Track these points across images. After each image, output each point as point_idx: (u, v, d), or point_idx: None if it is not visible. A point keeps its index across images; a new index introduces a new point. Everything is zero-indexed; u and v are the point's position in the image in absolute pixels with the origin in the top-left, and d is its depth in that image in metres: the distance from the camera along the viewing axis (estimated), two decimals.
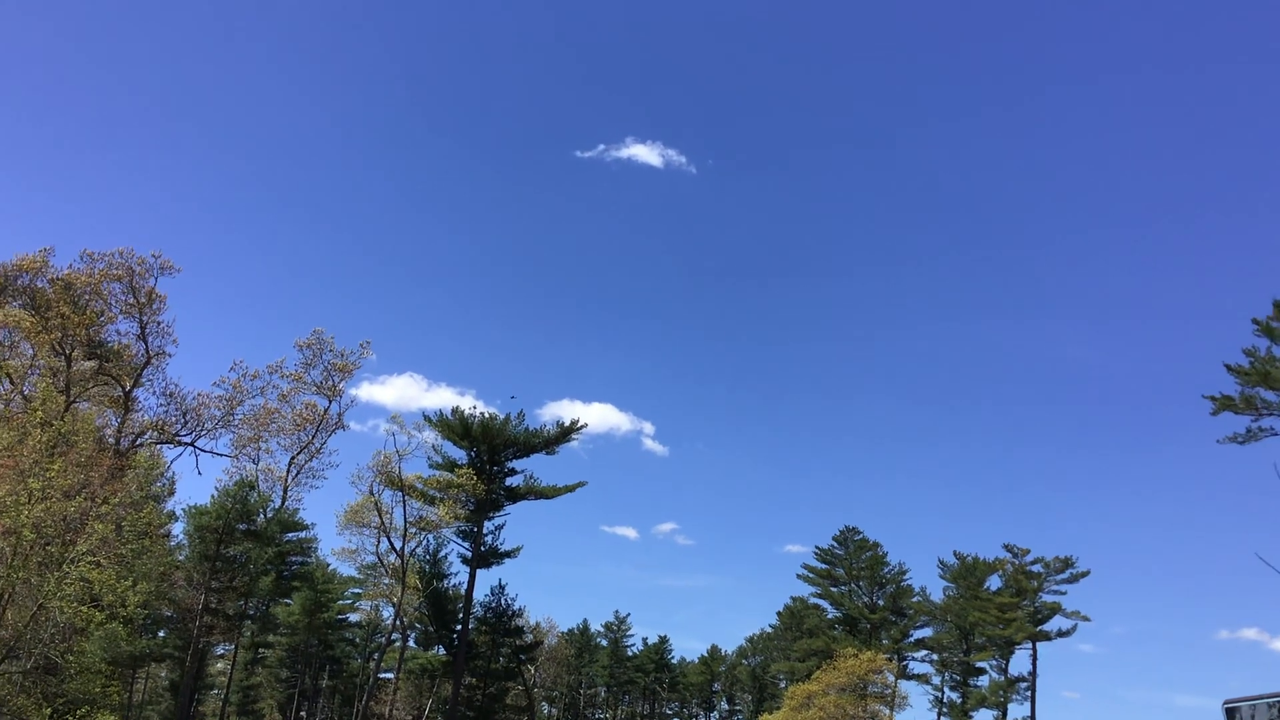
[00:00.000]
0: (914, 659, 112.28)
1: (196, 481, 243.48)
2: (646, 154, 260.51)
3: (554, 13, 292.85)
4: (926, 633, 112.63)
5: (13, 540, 36.13)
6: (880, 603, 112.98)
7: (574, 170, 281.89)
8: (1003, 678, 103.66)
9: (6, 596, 36.86)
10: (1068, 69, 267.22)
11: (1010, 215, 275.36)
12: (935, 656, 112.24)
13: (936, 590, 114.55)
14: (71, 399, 63.48)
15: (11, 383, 62.02)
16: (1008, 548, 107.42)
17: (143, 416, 71.54)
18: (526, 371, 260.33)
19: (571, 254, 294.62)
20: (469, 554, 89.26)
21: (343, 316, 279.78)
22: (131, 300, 67.48)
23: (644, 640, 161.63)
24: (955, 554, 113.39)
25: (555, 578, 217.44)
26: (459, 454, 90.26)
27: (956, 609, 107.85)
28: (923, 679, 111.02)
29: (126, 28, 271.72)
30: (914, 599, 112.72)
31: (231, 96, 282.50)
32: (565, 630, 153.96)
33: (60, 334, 63.42)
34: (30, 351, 65.90)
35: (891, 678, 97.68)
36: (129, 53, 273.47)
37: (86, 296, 65.57)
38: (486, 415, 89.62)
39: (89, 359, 67.71)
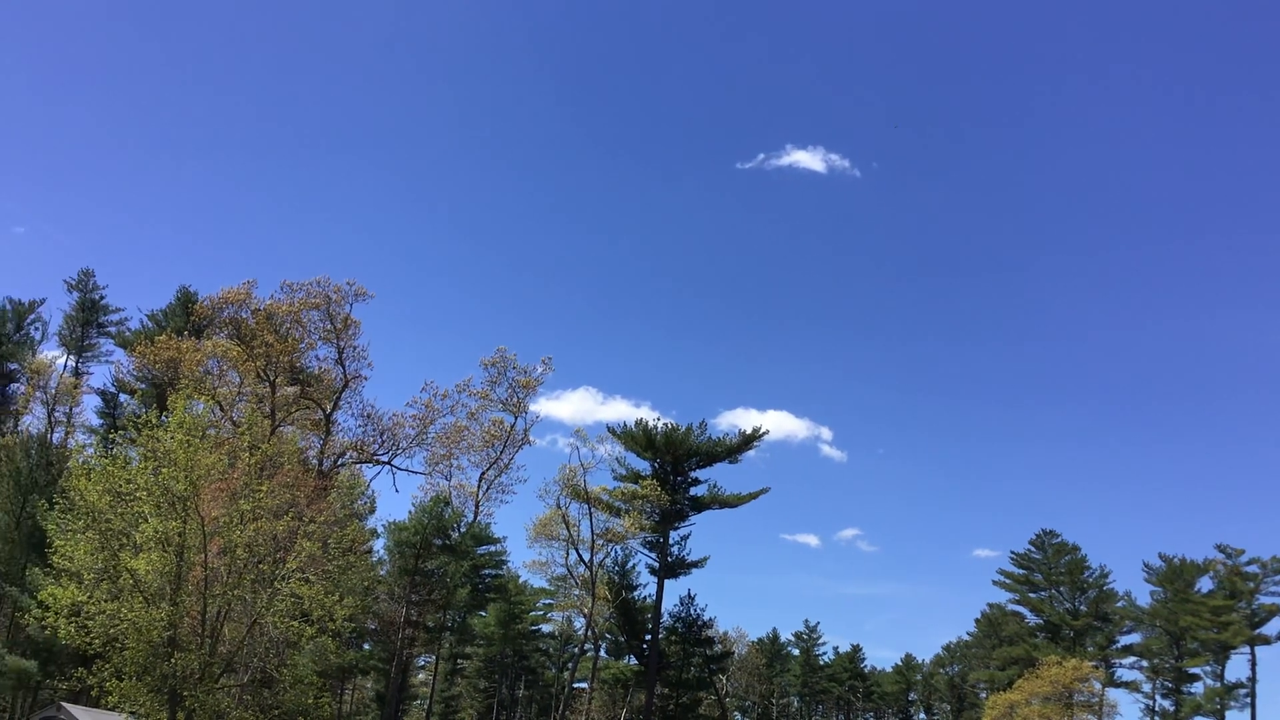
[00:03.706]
0: (1122, 666, 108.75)
1: (394, 499, 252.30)
2: (809, 160, 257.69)
3: (700, 28, 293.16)
4: (1134, 638, 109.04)
5: (228, 559, 38.10)
6: (1082, 608, 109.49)
7: (736, 182, 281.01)
8: (1219, 684, 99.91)
9: (224, 613, 38.84)
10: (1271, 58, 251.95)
11: (1196, 203, 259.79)
12: (1145, 663, 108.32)
13: (1142, 594, 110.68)
14: (276, 423, 66.69)
15: (221, 410, 65.49)
16: (1220, 548, 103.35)
17: (342, 438, 74.66)
18: (699, 381, 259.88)
19: (738, 263, 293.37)
20: (656, 564, 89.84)
21: (516, 333, 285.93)
22: (329, 327, 70.45)
23: (835, 649, 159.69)
24: (1161, 556, 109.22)
25: (738, 586, 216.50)
26: (642, 465, 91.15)
27: (1165, 613, 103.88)
28: (1132, 686, 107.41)
29: (310, 59, 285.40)
30: (1119, 604, 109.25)
31: (401, 121, 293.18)
32: (755, 639, 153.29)
33: (264, 362, 66.76)
34: (237, 379, 69.66)
35: (1099, 686, 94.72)
36: (302, 85, 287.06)
37: (287, 325, 68.73)
38: (669, 426, 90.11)
39: (291, 384, 70.99)
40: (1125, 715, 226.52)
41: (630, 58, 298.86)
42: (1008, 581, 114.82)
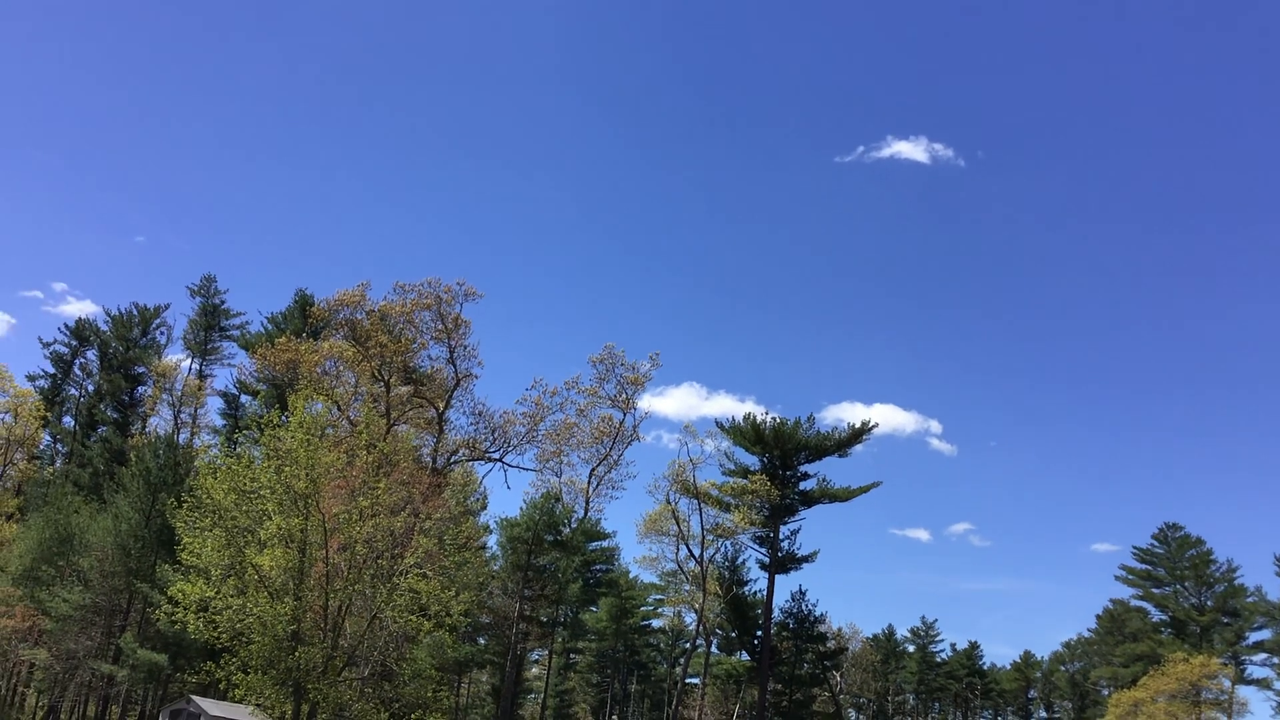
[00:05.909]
0: (1252, 663, 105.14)
1: (506, 495, 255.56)
2: (910, 150, 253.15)
3: (794, 22, 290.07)
4: (1265, 634, 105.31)
5: (348, 555, 38.88)
6: (1209, 603, 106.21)
7: (835, 175, 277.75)
8: None
9: (345, 608, 39.61)
10: None
11: None
12: (1276, 660, 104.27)
13: (1274, 588, 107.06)
14: (392, 422, 67.93)
15: (339, 409, 66.96)
16: None
17: (455, 436, 75.63)
18: (803, 375, 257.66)
19: (841, 257, 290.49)
20: (766, 559, 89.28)
21: (620, 330, 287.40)
22: (440, 327, 71.40)
23: (952, 646, 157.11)
24: None
25: (848, 582, 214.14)
26: (750, 460, 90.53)
27: None
28: (1263, 684, 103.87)
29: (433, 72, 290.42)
30: (1248, 598, 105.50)
31: (512, 119, 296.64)
32: (869, 636, 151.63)
33: (379, 362, 68.05)
34: (354, 380, 71.15)
35: (1228, 683, 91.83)
36: (410, 92, 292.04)
37: (400, 325, 69.90)
38: (777, 420, 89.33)
39: (405, 384, 72.22)
40: (1256, 714, 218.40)
41: (726, 54, 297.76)
42: (1130, 577, 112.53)
